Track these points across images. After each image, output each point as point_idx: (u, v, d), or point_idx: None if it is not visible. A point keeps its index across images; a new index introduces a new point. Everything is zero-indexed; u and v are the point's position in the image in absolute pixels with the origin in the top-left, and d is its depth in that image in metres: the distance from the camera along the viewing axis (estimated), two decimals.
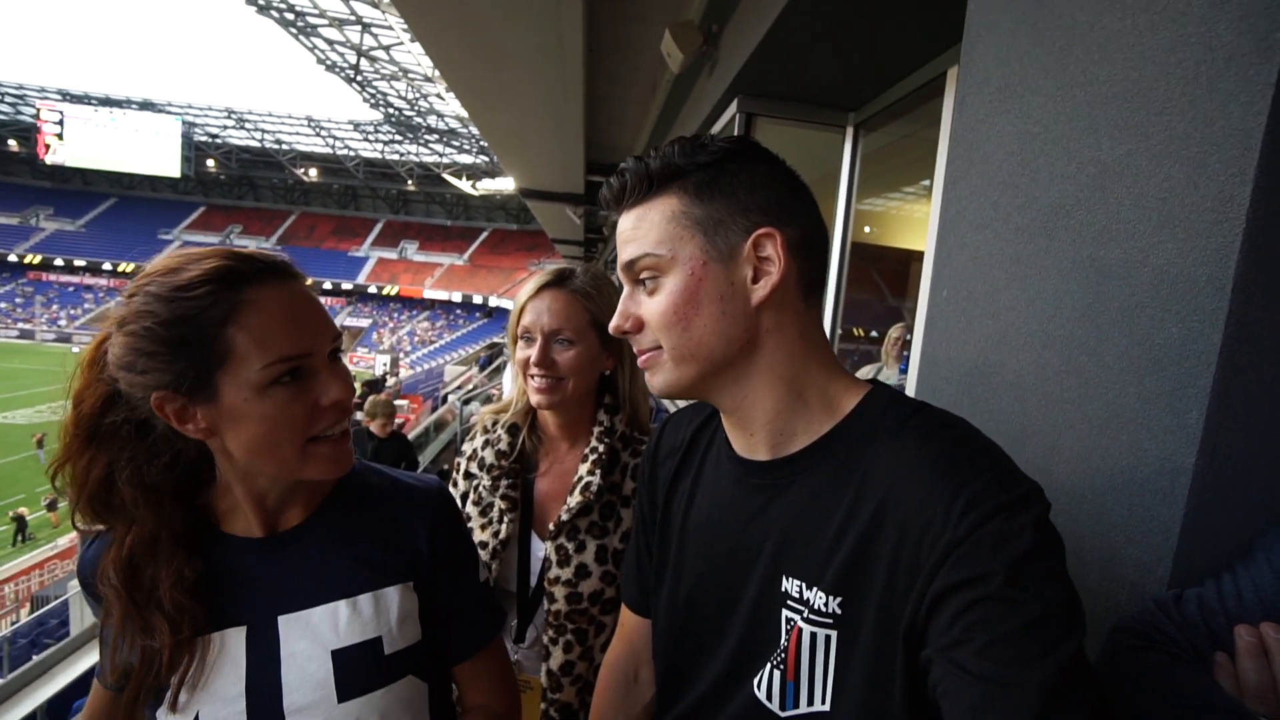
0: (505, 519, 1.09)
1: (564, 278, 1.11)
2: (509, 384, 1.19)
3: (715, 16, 3.11)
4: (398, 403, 15.15)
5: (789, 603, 0.58)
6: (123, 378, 0.63)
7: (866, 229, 3.65)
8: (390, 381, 18.70)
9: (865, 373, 2.97)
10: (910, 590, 0.49)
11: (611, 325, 0.63)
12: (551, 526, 1.06)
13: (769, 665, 0.59)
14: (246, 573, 0.71)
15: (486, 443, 1.16)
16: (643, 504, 0.82)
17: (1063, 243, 0.75)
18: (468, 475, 1.18)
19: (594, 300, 1.11)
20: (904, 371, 2.84)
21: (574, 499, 1.05)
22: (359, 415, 4.99)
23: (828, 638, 0.54)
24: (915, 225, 4.33)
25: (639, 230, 0.60)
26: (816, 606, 0.55)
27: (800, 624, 0.56)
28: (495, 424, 1.17)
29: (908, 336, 3.11)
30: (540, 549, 1.08)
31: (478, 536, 1.10)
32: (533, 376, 1.07)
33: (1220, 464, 0.58)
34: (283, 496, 0.73)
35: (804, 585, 0.56)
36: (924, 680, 0.48)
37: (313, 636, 0.70)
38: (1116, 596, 0.65)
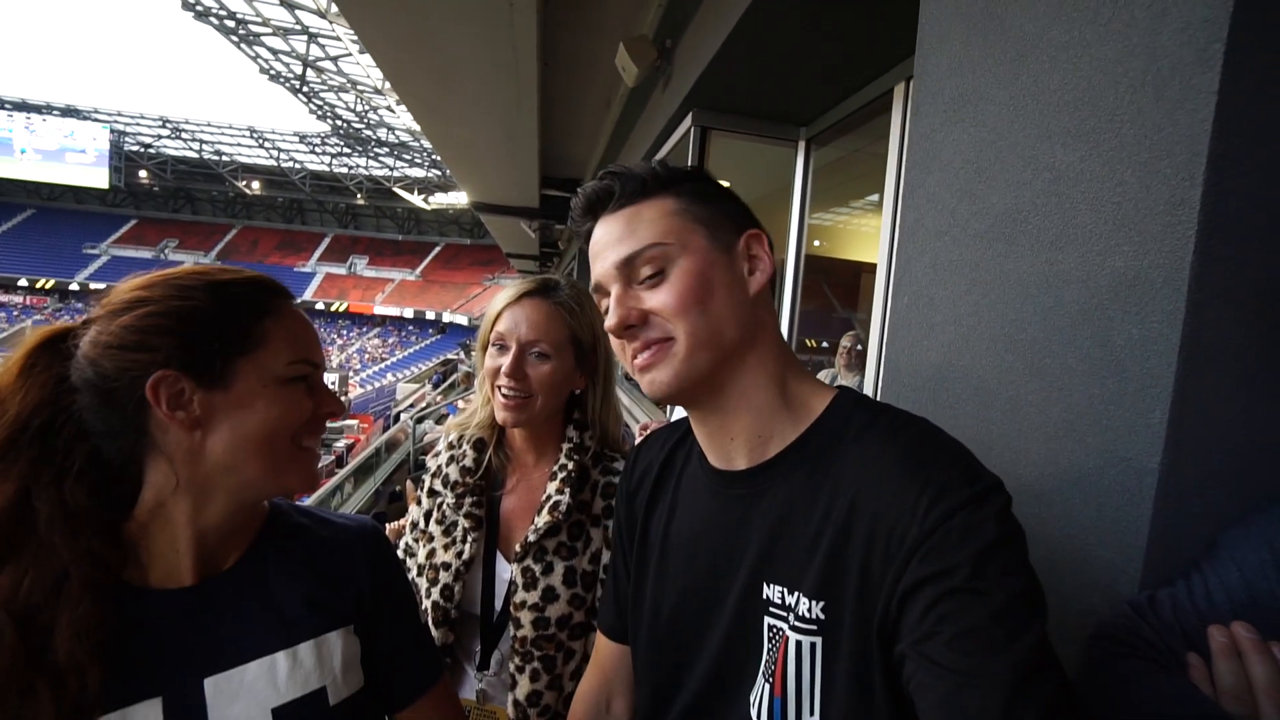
0: (469, 538, 1.03)
1: (548, 288, 1.06)
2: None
3: (669, 31, 3.14)
4: (348, 422, 14.59)
5: (771, 609, 0.57)
6: (112, 358, 0.59)
7: (816, 242, 3.74)
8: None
9: (823, 378, 3.02)
10: (881, 586, 0.49)
11: (613, 322, 0.61)
12: (518, 548, 1.00)
13: (761, 679, 0.57)
14: (168, 630, 0.62)
15: (451, 459, 1.10)
16: (620, 528, 0.80)
17: (1021, 248, 0.76)
18: (431, 493, 1.12)
19: (576, 316, 1.06)
20: (863, 381, 2.89)
21: (541, 518, 1.00)
22: None
23: (813, 645, 0.54)
24: (863, 239, 4.47)
25: (634, 228, 0.61)
26: (800, 612, 0.54)
27: (788, 632, 0.55)
28: (461, 439, 1.11)
29: (859, 346, 3.19)
30: (506, 571, 1.02)
31: (440, 557, 1.04)
32: (500, 389, 1.02)
33: (1184, 463, 0.59)
34: (226, 527, 0.66)
35: (785, 590, 0.56)
36: (899, 676, 0.48)
37: (249, 696, 0.63)
38: (1090, 599, 0.65)
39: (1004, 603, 0.44)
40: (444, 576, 1.02)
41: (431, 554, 1.05)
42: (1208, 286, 0.57)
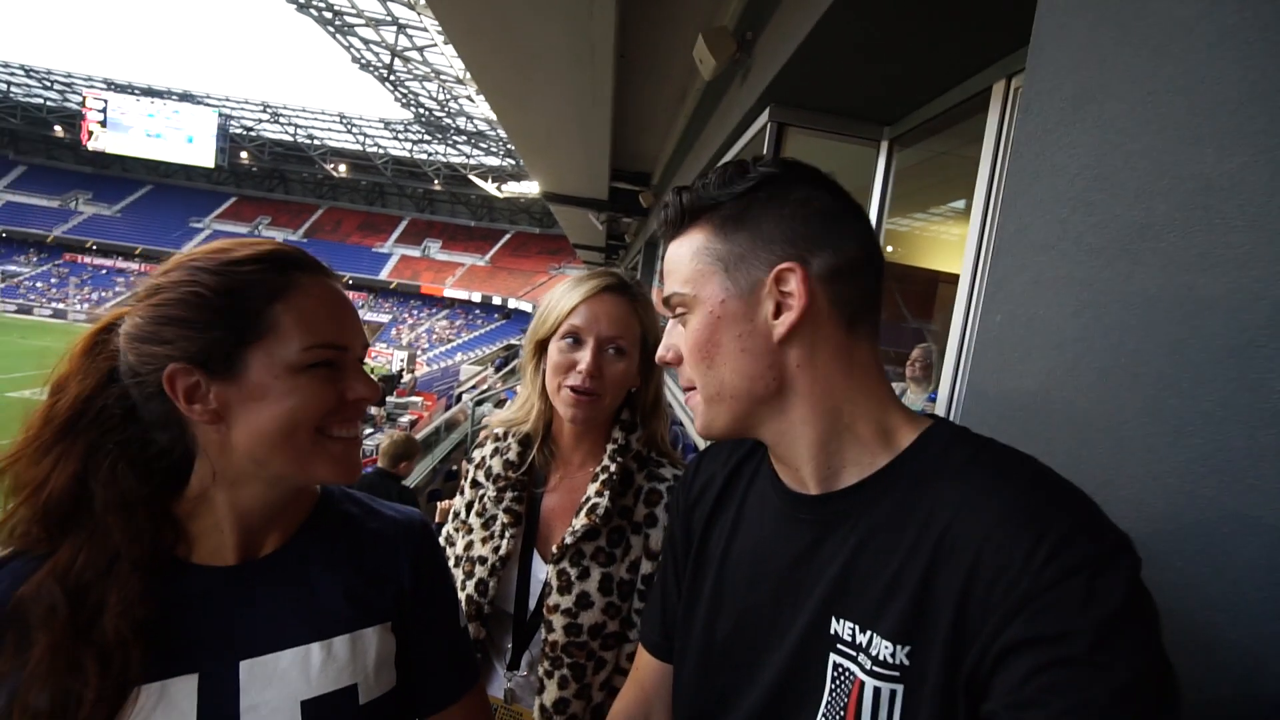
0: (507, 534, 1.00)
1: (626, 284, 1.03)
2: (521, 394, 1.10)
3: (750, 23, 3.04)
4: (413, 399, 15.22)
5: (839, 646, 0.53)
6: (135, 350, 0.59)
7: (890, 248, 3.55)
8: (406, 378, 18.80)
9: None
10: (978, 636, 0.44)
11: (657, 355, 0.64)
12: (555, 549, 0.97)
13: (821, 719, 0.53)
14: (208, 609, 0.62)
15: (495, 451, 1.08)
16: (675, 539, 0.76)
17: (1149, 267, 0.66)
18: (474, 484, 1.10)
19: (648, 313, 1.04)
20: (932, 399, 2.72)
21: (579, 520, 0.97)
22: (379, 464, 4.11)
23: (893, 693, 0.49)
24: (942, 246, 4.21)
25: (672, 266, 0.61)
26: (878, 655, 0.49)
27: (861, 676, 0.51)
28: (506, 433, 1.09)
29: (930, 360, 3.00)
30: (542, 571, 1.00)
31: (477, 550, 1.02)
32: (571, 387, 0.98)
33: None
34: (267, 513, 0.65)
35: (857, 628, 0.52)
36: None
37: (280, 685, 0.61)
38: (1217, 689, 0.55)
39: (1129, 681, 0.39)
40: (479, 571, 1.00)
41: (469, 546, 1.03)
42: None
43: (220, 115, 39.29)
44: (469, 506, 1.09)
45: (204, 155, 40.35)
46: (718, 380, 0.58)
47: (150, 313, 0.59)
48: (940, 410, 2.09)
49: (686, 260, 0.59)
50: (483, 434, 1.14)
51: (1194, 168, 0.62)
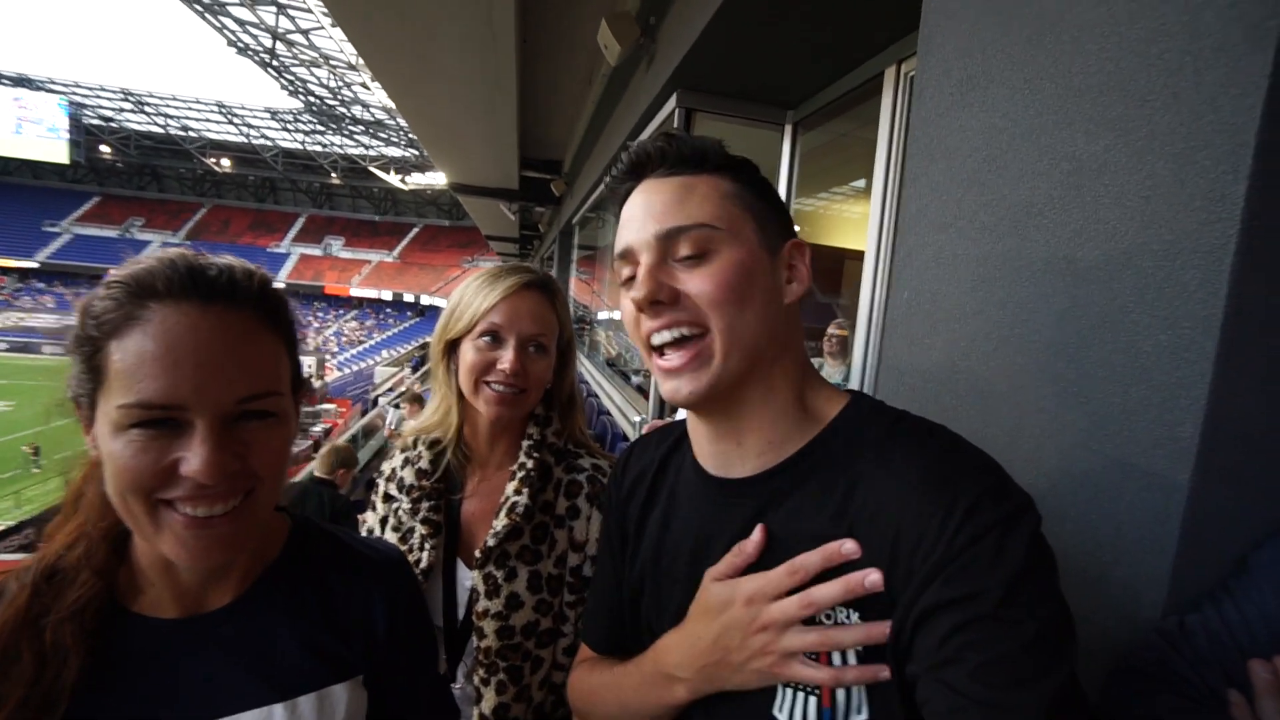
0: (427, 545, 0.96)
1: (545, 280, 1.00)
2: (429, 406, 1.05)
3: (653, 8, 3.04)
4: (325, 406, 14.35)
5: None
6: None
7: (799, 228, 3.68)
8: (316, 385, 17.67)
9: None
10: (896, 604, 0.47)
11: (640, 294, 0.55)
12: (478, 553, 0.94)
13: (791, 691, 0.53)
14: (156, 667, 0.56)
15: (406, 461, 1.03)
16: (610, 536, 0.75)
17: (1035, 243, 0.71)
18: (386, 498, 1.05)
19: (564, 309, 1.02)
20: (848, 373, 2.87)
21: (500, 521, 0.94)
22: (314, 470, 3.91)
23: (856, 655, 0.50)
24: (848, 224, 4.43)
25: (685, 200, 0.56)
26: (840, 622, 0.51)
27: None
28: (415, 441, 1.04)
29: (844, 334, 3.16)
30: (467, 578, 0.97)
31: None
32: (493, 384, 0.94)
33: (1215, 480, 0.55)
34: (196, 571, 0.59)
35: None
36: (910, 696, 0.47)
37: None
38: (1104, 621, 0.61)
39: (1035, 633, 0.42)
40: (423, 593, 0.95)
41: None
42: (1249, 291, 0.52)
43: (70, 104, 34.82)
44: (383, 522, 1.04)
45: (54, 150, 35.68)
46: (744, 325, 0.54)
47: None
48: (854, 383, 2.20)
49: (713, 197, 0.56)
50: (394, 444, 1.09)
51: (1067, 149, 0.68)
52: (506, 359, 0.93)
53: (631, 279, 0.58)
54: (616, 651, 0.74)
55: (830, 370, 3.12)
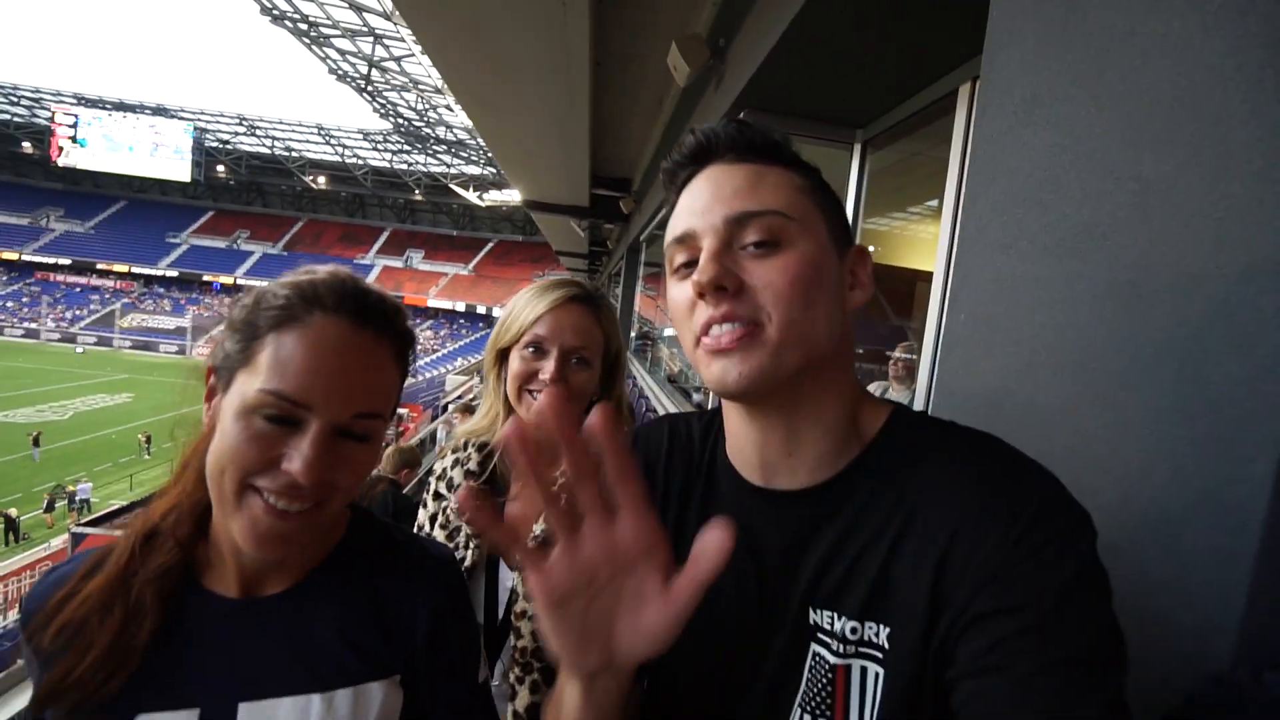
0: (471, 545, 1.01)
1: (590, 295, 1.04)
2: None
3: (723, 30, 3.08)
4: (399, 410, 15.05)
5: (819, 635, 0.53)
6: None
7: (871, 248, 3.58)
8: None
9: (873, 392, 2.89)
10: (946, 610, 0.46)
11: (704, 278, 0.50)
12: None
13: (799, 711, 0.53)
14: (214, 640, 0.61)
15: (456, 462, 1.09)
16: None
17: (1097, 265, 0.68)
18: (437, 496, 1.11)
19: (612, 323, 1.06)
20: (913, 398, 2.76)
21: (540, 525, 0.97)
22: (380, 469, 4.10)
23: (877, 675, 0.50)
24: (921, 245, 4.28)
25: (761, 186, 0.53)
26: (861, 637, 0.51)
27: (835, 660, 0.51)
28: (466, 443, 1.10)
29: (913, 357, 3.05)
30: (509, 578, 1.00)
31: None
32: (534, 393, 0.98)
33: None
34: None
35: (834, 615, 0.52)
36: (946, 701, 0.45)
37: None
38: (1165, 668, 0.57)
39: (1086, 647, 0.41)
40: (471, 600, 1.00)
41: None
42: None
43: (195, 129, 38.79)
44: (432, 519, 1.09)
45: (179, 169, 39.78)
46: (809, 321, 0.51)
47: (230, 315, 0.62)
48: (919, 406, 2.12)
49: (787, 188, 0.54)
50: (442, 448, 1.15)
51: (1134, 169, 0.65)
52: (548, 369, 0.97)
53: (686, 265, 0.55)
54: None
55: (895, 394, 3.01)
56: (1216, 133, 0.56)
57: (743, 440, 0.59)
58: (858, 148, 2.93)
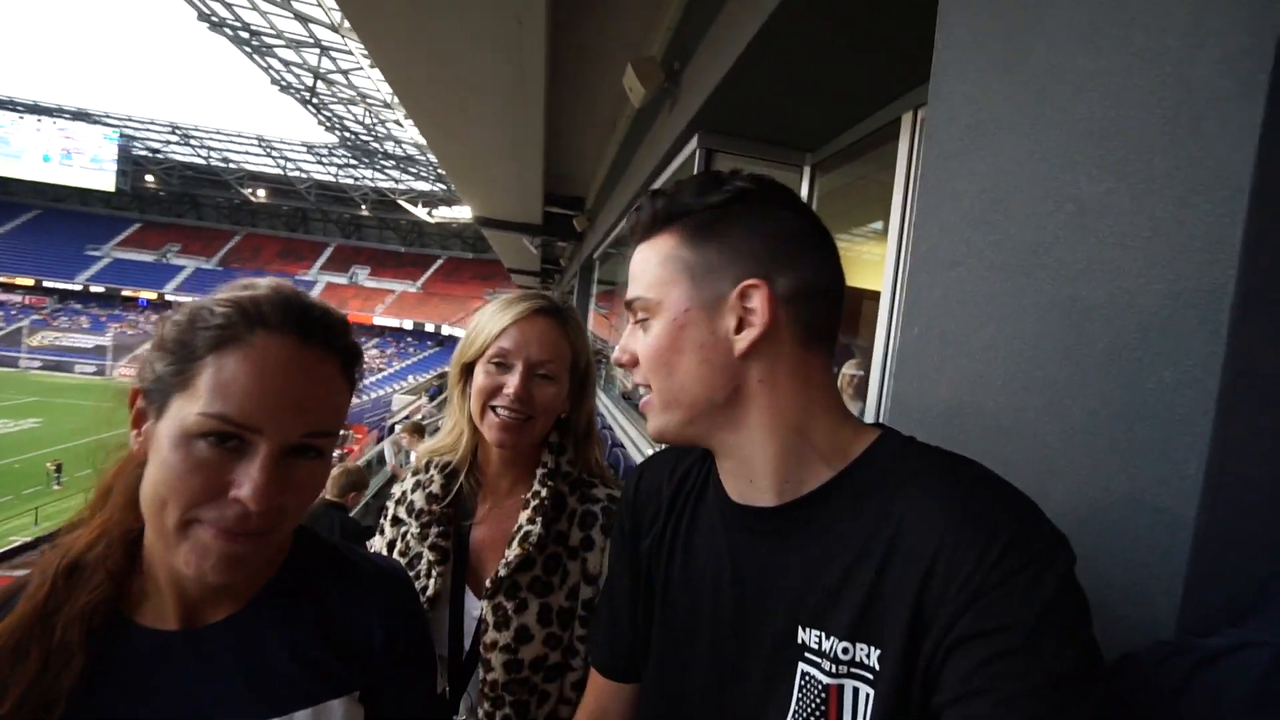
0: (434, 572, 0.95)
1: (558, 308, 1.02)
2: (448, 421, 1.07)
3: (677, 54, 3.16)
4: (342, 432, 14.47)
5: (806, 655, 0.54)
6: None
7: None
8: None
9: None
10: (930, 631, 0.47)
11: (614, 356, 0.65)
12: (488, 583, 0.94)
13: None
14: (153, 679, 0.56)
15: (417, 485, 1.03)
16: (619, 559, 0.75)
17: (1041, 281, 0.73)
18: (395, 521, 1.05)
19: (579, 336, 1.04)
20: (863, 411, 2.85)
21: (512, 551, 0.94)
22: (325, 493, 4.07)
23: (867, 695, 0.51)
24: (865, 266, 4.46)
25: (639, 270, 0.62)
26: (851, 658, 0.51)
27: (827, 680, 0.52)
28: (429, 464, 1.05)
29: (861, 373, 3.16)
30: (476, 608, 0.96)
31: None
32: (497, 409, 0.95)
33: (1222, 516, 0.54)
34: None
35: (823, 634, 0.53)
36: None
37: None
38: (1111, 656, 0.60)
39: (1068, 667, 0.43)
40: (424, 612, 0.96)
41: None
42: (1250, 331, 0.53)
43: (121, 136, 36.68)
44: (390, 545, 1.04)
45: (102, 178, 37.44)
46: (676, 386, 0.59)
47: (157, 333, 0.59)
48: (869, 419, 2.19)
49: (653, 266, 0.60)
50: (404, 469, 1.10)
51: (1071, 191, 0.70)
52: (512, 384, 0.94)
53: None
54: (624, 673, 0.74)
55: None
56: (1142, 159, 0.62)
57: (720, 467, 0.64)
58: (807, 170, 3.05)
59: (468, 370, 1.01)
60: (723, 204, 0.58)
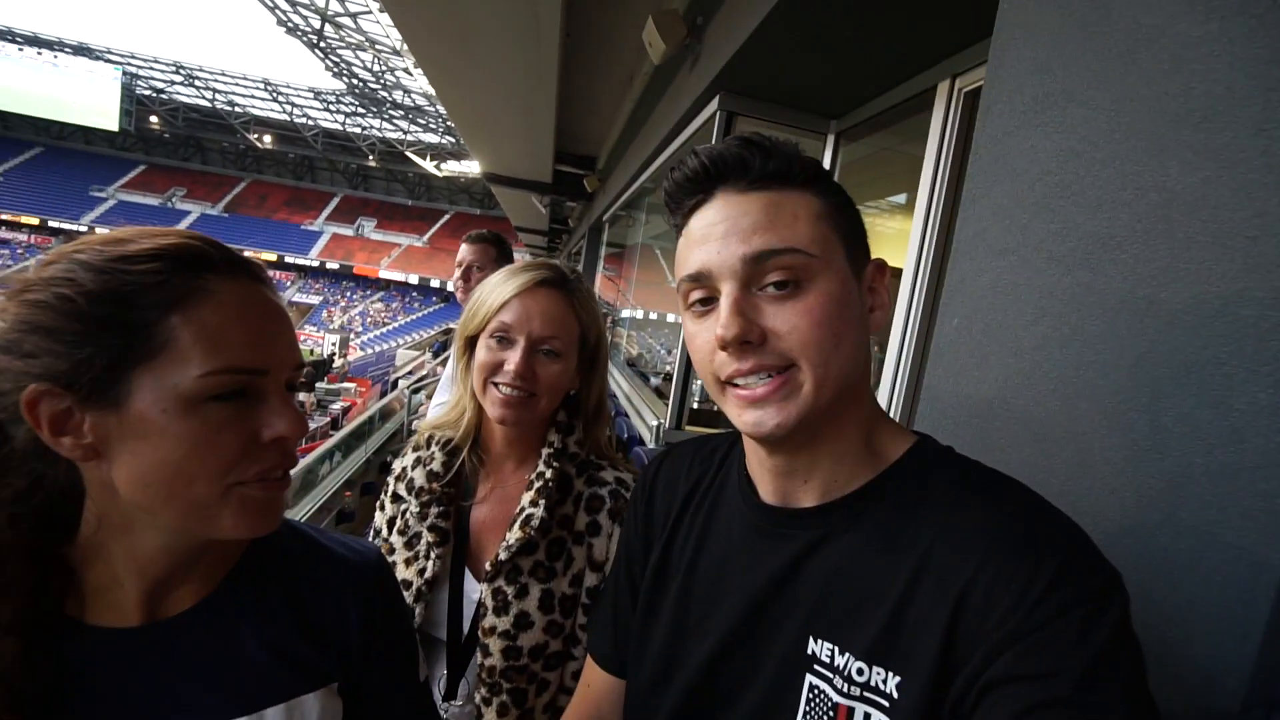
0: (433, 554, 0.92)
1: (565, 278, 0.95)
2: (442, 392, 1.01)
3: (701, 8, 2.99)
4: (345, 385, 14.54)
5: (816, 667, 0.50)
6: None
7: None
8: (338, 363, 17.95)
9: None
10: (963, 668, 0.43)
11: (731, 333, 0.49)
12: (488, 566, 0.90)
13: None
14: (109, 680, 0.52)
15: (418, 461, 0.99)
16: (630, 548, 0.72)
17: (1110, 278, 0.65)
18: (395, 498, 1.01)
19: (589, 312, 0.96)
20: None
21: (513, 534, 0.89)
22: None
23: None
24: (884, 240, 4.34)
25: (775, 219, 0.50)
26: (865, 680, 0.47)
27: (838, 699, 0.48)
28: (429, 440, 1.00)
29: (877, 351, 3.08)
30: (475, 590, 0.92)
31: (400, 574, 0.93)
32: (500, 385, 0.90)
33: None
34: (175, 565, 0.54)
35: (836, 649, 0.50)
36: None
37: None
38: (1171, 706, 0.55)
39: None
40: (404, 596, 0.92)
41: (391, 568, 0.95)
42: None
43: (124, 74, 35.86)
44: (390, 523, 1.00)
45: (106, 117, 36.78)
46: (840, 362, 0.50)
47: (18, 313, 0.47)
48: (884, 405, 2.13)
49: (806, 219, 0.51)
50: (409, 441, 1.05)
51: (1157, 179, 0.61)
52: (514, 360, 0.89)
53: (701, 302, 0.53)
54: (620, 668, 0.71)
55: None
56: (1255, 145, 0.53)
57: (761, 465, 0.58)
58: (831, 138, 2.91)
59: (471, 343, 0.95)
60: (836, 182, 0.55)
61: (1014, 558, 0.43)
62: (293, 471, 0.55)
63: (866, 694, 0.47)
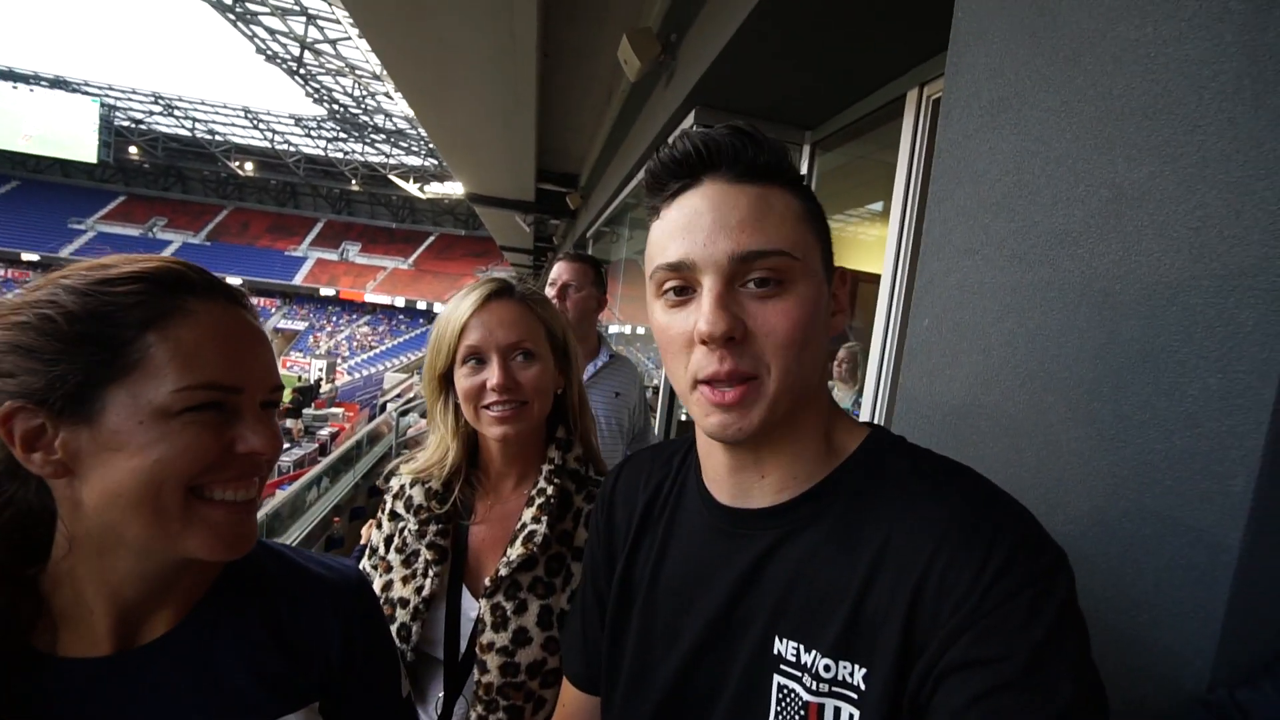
0: (431, 572, 0.91)
1: (511, 287, 0.96)
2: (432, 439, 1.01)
3: (674, 25, 3.04)
4: (333, 410, 14.40)
5: (782, 667, 0.50)
6: None
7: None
8: (326, 388, 17.77)
9: None
10: (922, 654, 0.43)
11: (717, 330, 0.47)
12: (488, 582, 0.89)
13: None
14: (77, 715, 0.51)
15: (416, 480, 0.99)
16: (595, 563, 0.71)
17: (1069, 273, 0.67)
18: (393, 516, 1.00)
19: (545, 308, 0.97)
20: (859, 397, 2.81)
21: (515, 550, 0.89)
22: None
23: (852, 716, 0.47)
24: (863, 247, 4.39)
25: (764, 216, 0.49)
26: (834, 676, 0.48)
27: (808, 697, 0.48)
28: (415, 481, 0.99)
29: (856, 359, 3.11)
30: (473, 608, 0.92)
31: (398, 592, 0.93)
32: (489, 406, 0.90)
33: (1273, 541, 0.50)
34: (148, 590, 0.53)
35: (801, 648, 0.50)
36: None
37: None
38: (1141, 689, 0.56)
39: (1068, 703, 0.39)
40: (400, 614, 0.91)
41: (388, 586, 0.94)
42: None
43: (103, 105, 35.69)
44: (387, 541, 0.99)
45: (84, 150, 36.51)
46: (800, 367, 0.49)
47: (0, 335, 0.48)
48: (866, 410, 2.15)
49: (790, 219, 0.49)
50: (393, 479, 1.04)
51: (1106, 175, 0.64)
52: (493, 375, 0.89)
53: (676, 291, 0.51)
54: (595, 686, 0.70)
55: (840, 394, 3.06)
56: (1192, 140, 0.56)
57: (716, 465, 0.58)
58: (806, 148, 2.96)
59: (445, 381, 0.95)
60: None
61: (965, 545, 0.44)
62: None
63: (835, 689, 0.48)
